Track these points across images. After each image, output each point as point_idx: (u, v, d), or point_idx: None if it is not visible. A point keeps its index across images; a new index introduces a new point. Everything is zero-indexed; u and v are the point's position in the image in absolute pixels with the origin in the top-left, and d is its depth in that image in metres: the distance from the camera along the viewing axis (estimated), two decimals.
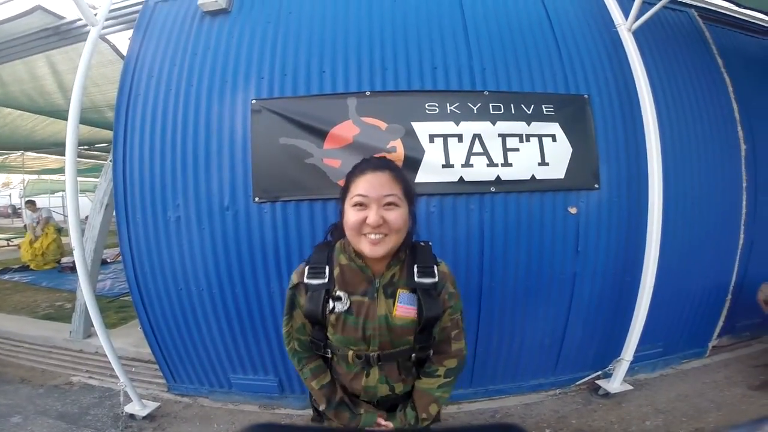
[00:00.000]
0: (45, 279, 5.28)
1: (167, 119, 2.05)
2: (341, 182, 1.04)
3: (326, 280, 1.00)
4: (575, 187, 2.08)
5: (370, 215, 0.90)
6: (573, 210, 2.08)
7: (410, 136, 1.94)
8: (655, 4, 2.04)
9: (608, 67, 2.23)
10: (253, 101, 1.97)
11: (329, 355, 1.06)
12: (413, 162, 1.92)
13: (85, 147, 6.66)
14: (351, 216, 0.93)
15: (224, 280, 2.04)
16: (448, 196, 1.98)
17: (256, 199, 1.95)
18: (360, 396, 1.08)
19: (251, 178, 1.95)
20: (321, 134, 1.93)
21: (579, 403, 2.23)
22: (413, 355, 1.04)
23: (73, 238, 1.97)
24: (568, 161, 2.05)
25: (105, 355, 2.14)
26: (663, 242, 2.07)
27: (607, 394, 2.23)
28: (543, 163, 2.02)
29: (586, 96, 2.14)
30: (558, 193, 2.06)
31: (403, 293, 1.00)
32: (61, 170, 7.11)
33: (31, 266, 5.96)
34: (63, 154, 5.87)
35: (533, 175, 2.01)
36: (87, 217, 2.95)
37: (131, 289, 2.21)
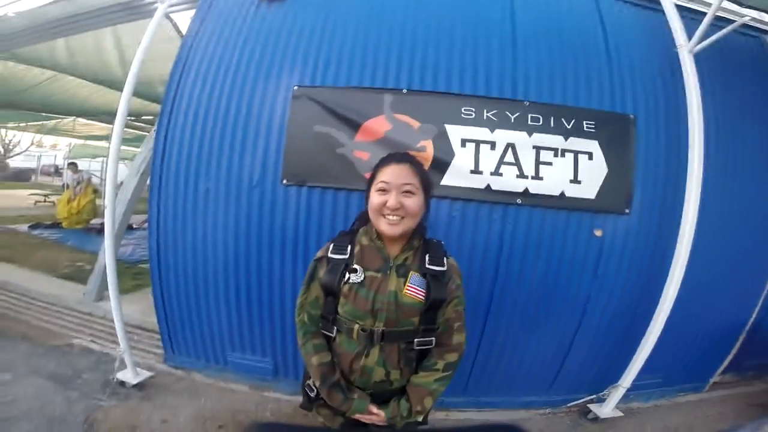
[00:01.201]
0: (72, 238, 5.49)
1: (213, 96, 2.13)
2: (367, 175, 1.23)
3: (347, 255, 1.12)
4: (605, 209, 2.01)
5: (390, 199, 1.06)
6: (599, 233, 2.03)
7: (442, 138, 1.94)
8: (724, 27, 1.93)
9: (660, 88, 2.13)
10: (295, 88, 2.03)
11: (333, 335, 1.13)
12: (441, 164, 1.92)
13: (132, 118, 6.97)
14: (374, 199, 1.09)
15: (241, 256, 2.09)
16: (473, 202, 1.96)
17: (285, 181, 2.00)
18: (355, 381, 1.12)
19: (282, 160, 2.00)
20: (354, 126, 1.97)
21: (567, 425, 2.20)
22: (416, 340, 1.10)
23: (107, 198, 2.09)
24: (601, 182, 1.98)
25: (111, 321, 2.20)
26: (685, 276, 1.98)
27: (596, 419, 2.19)
28: (575, 180, 1.96)
29: (631, 116, 2.05)
30: (586, 213, 2.01)
31: (414, 276, 1.10)
32: (106, 137, 7.47)
33: (63, 224, 6.23)
34: (112, 123, 6.19)
35: (563, 192, 1.96)
36: (122, 183, 3.10)
37: (150, 255, 2.29)
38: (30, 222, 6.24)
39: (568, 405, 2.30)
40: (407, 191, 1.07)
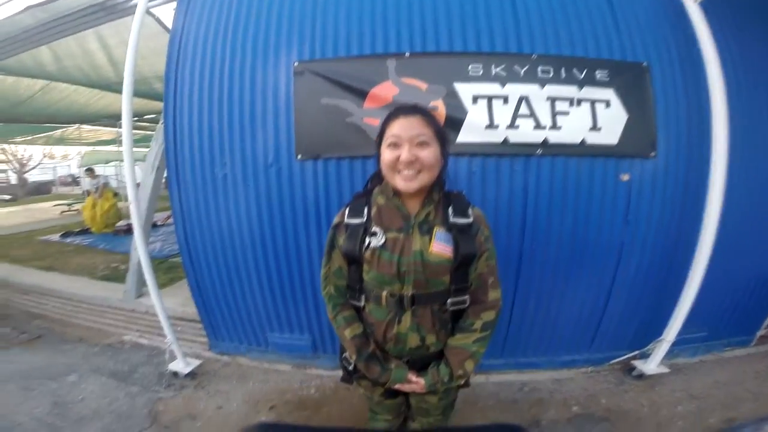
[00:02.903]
0: (102, 242, 5.72)
1: (213, 84, 2.10)
2: None
3: (364, 219, 1.05)
4: (629, 154, 1.96)
5: (403, 153, 0.97)
6: (625, 177, 1.96)
7: (452, 97, 1.89)
8: None
9: (671, 36, 2.03)
10: (296, 63, 1.99)
11: (362, 304, 1.09)
12: (455, 122, 1.88)
13: (136, 119, 7.00)
14: (386, 155, 1.00)
15: (267, 235, 2.13)
16: (491, 157, 1.93)
17: (299, 156, 2.00)
18: (390, 350, 1.09)
19: (294, 136, 1.99)
20: (361, 94, 1.93)
21: (611, 383, 2.18)
22: (449, 300, 1.04)
23: (130, 196, 2.14)
24: (622, 127, 1.94)
25: (154, 315, 2.29)
26: (722, 219, 1.92)
27: (641, 376, 2.16)
28: (595, 128, 1.92)
29: (644, 64, 1.99)
30: (609, 159, 1.95)
31: (439, 231, 1.03)
32: (113, 141, 7.55)
33: (92, 229, 6.45)
34: (116, 126, 6.22)
35: (584, 140, 1.92)
36: (139, 183, 3.15)
37: (180, 246, 2.35)
38: (61, 231, 6.51)
39: (611, 362, 2.28)
40: (421, 143, 0.97)
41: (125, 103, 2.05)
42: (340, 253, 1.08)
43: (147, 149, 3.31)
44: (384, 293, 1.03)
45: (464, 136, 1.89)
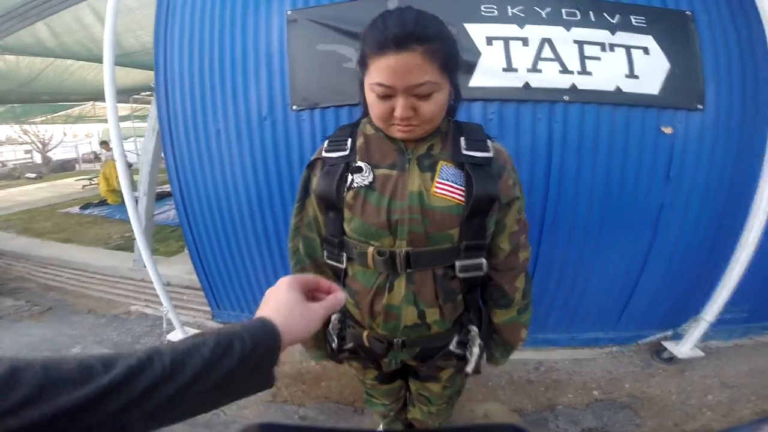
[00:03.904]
0: (118, 212, 5.76)
1: (204, 38, 1.95)
2: None
3: (347, 152, 0.80)
4: (672, 105, 1.71)
5: (397, 108, 0.68)
6: (668, 130, 1.71)
7: (463, 38, 1.65)
8: None
9: None
10: (289, 12, 1.81)
11: (344, 265, 0.84)
12: (467, 65, 1.66)
13: (148, 93, 6.98)
14: (375, 106, 0.71)
15: (263, 192, 2.00)
16: (510, 102, 1.70)
17: (294, 107, 1.84)
18: (380, 328, 0.84)
19: (288, 87, 1.82)
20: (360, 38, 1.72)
21: (636, 366, 1.98)
22: (458, 263, 0.78)
23: (119, 167, 2.09)
24: (664, 77, 1.70)
25: (164, 284, 2.24)
26: None
27: (671, 359, 1.96)
28: (631, 75, 1.68)
29: (688, 12, 1.72)
30: (649, 109, 1.70)
31: (446, 167, 0.76)
32: (128, 117, 7.56)
33: (108, 201, 6.55)
34: (128, 102, 6.16)
35: (618, 87, 1.68)
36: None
37: (178, 209, 2.27)
38: (80, 204, 6.64)
39: (639, 342, 2.08)
40: (420, 93, 0.67)
41: (107, 70, 2.02)
42: (315, 198, 0.84)
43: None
44: (370, 250, 0.77)
45: (478, 80, 1.67)
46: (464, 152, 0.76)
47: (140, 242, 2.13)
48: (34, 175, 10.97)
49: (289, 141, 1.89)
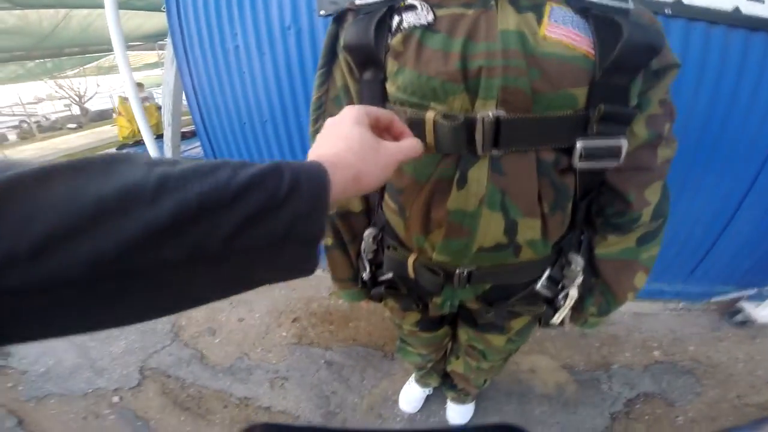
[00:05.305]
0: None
1: None
2: None
3: None
4: None
5: None
6: None
7: None
8: None
9: None
10: None
11: None
12: None
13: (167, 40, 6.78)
14: None
15: (289, 111, 1.79)
16: None
17: (322, 12, 1.55)
18: (436, 250, 0.57)
19: None
20: None
21: (704, 327, 1.73)
22: (579, 144, 0.49)
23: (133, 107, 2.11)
24: None
25: None
26: None
27: (744, 322, 1.70)
28: None
29: None
30: None
31: (558, 8, 0.48)
32: (157, 65, 7.39)
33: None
34: (155, 49, 5.96)
35: (737, 8, 1.28)
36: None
37: (200, 137, 2.14)
38: (117, 146, 6.76)
39: (709, 300, 1.81)
40: None
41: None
42: (344, 55, 0.57)
43: None
44: (429, 114, 0.49)
45: None
46: None
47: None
48: (74, 125, 11.37)
49: (316, 53, 1.61)
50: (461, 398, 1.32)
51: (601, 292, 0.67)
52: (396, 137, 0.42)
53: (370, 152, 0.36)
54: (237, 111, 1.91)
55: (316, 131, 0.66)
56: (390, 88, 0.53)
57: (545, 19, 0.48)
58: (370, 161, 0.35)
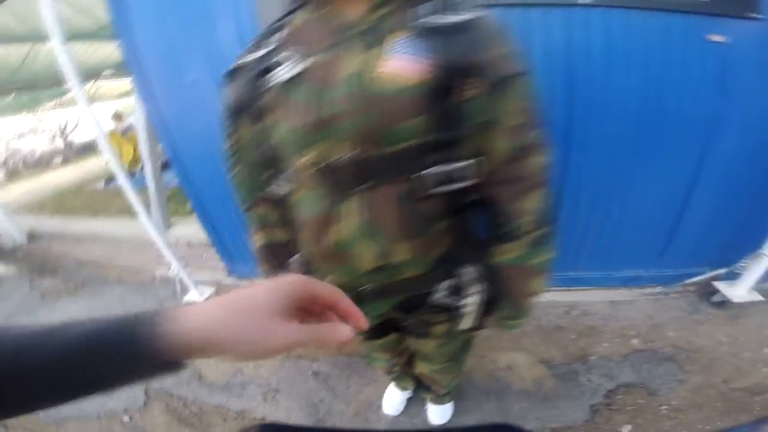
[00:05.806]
0: (139, 182, 5.86)
1: None
2: None
3: (273, 46, 0.60)
4: (722, 13, 1.32)
5: None
6: (718, 38, 1.33)
7: None
8: None
9: None
10: None
11: (282, 191, 0.68)
12: None
13: None
14: None
15: None
16: (517, 7, 1.34)
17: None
18: (336, 275, 0.67)
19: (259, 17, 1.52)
20: None
21: (682, 310, 1.76)
22: (424, 172, 0.56)
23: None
24: None
25: (184, 245, 2.19)
26: None
27: (722, 303, 1.72)
28: None
29: None
30: (696, 16, 1.32)
31: (400, 38, 0.54)
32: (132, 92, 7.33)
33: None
34: (128, 76, 5.91)
35: None
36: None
37: (173, 168, 2.15)
38: (104, 179, 6.73)
39: (685, 282, 1.84)
40: None
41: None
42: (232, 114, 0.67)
43: None
44: (302, 162, 0.59)
45: None
46: (426, 18, 0.54)
47: (129, 193, 2.16)
48: (60, 159, 11.31)
49: None
50: (438, 399, 1.38)
51: (505, 297, 0.72)
52: (342, 316, 0.38)
53: (246, 318, 0.33)
54: (206, 140, 1.92)
55: (235, 179, 0.76)
56: (273, 139, 0.62)
57: (383, 54, 0.54)
58: (243, 325, 0.33)
